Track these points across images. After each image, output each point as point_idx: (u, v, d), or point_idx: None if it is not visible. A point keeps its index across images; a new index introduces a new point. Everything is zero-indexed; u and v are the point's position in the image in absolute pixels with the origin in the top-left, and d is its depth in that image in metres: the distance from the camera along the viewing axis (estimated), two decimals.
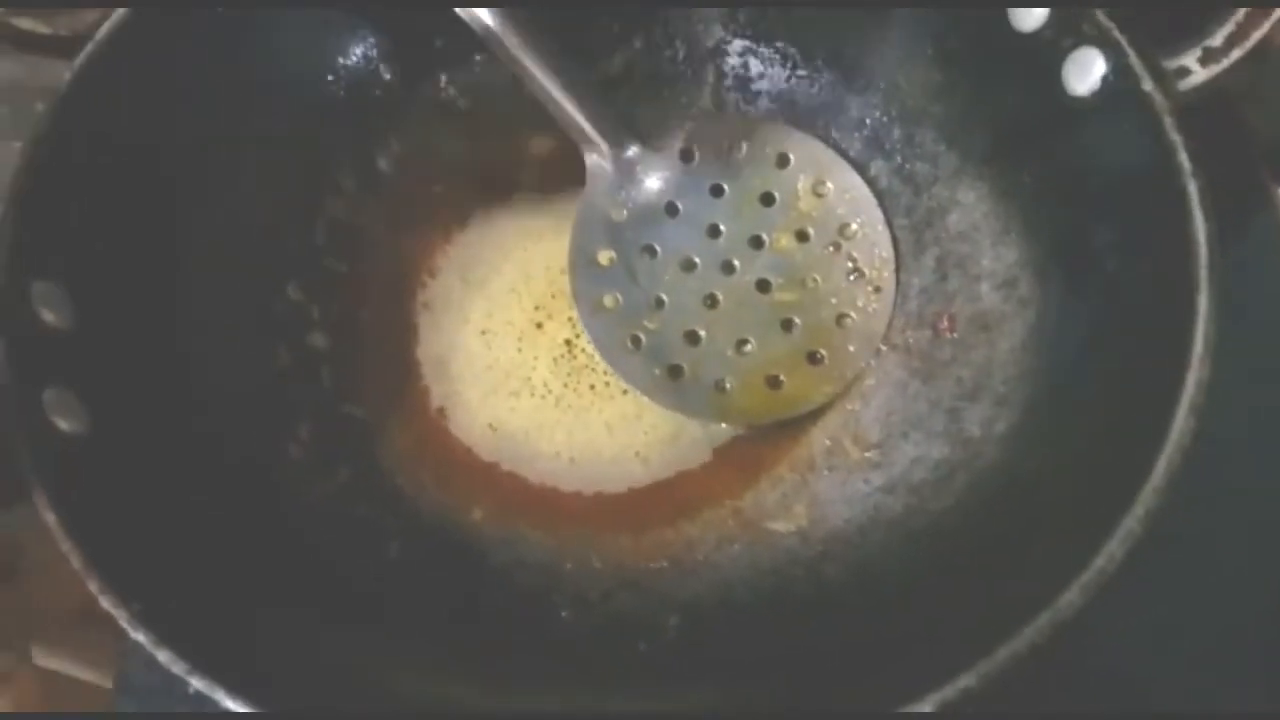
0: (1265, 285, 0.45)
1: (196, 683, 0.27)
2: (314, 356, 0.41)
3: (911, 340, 0.41)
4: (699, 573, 0.37)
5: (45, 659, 0.42)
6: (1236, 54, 0.34)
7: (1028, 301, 0.38)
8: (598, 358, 0.42)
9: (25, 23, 0.50)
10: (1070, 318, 0.36)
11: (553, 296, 0.44)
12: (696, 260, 0.43)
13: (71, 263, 0.34)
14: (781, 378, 0.41)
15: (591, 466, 0.41)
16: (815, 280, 0.42)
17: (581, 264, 0.43)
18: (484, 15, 0.39)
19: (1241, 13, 0.33)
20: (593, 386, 0.43)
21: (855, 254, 0.42)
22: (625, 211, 0.43)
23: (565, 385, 0.43)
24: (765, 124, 0.45)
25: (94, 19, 0.49)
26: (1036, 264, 0.38)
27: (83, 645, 0.43)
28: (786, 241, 0.43)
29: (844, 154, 0.44)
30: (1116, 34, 0.34)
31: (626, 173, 0.43)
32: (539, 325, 0.44)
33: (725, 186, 0.44)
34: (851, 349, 0.41)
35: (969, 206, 0.40)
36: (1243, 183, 0.47)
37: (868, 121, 0.43)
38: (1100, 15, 0.35)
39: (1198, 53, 0.35)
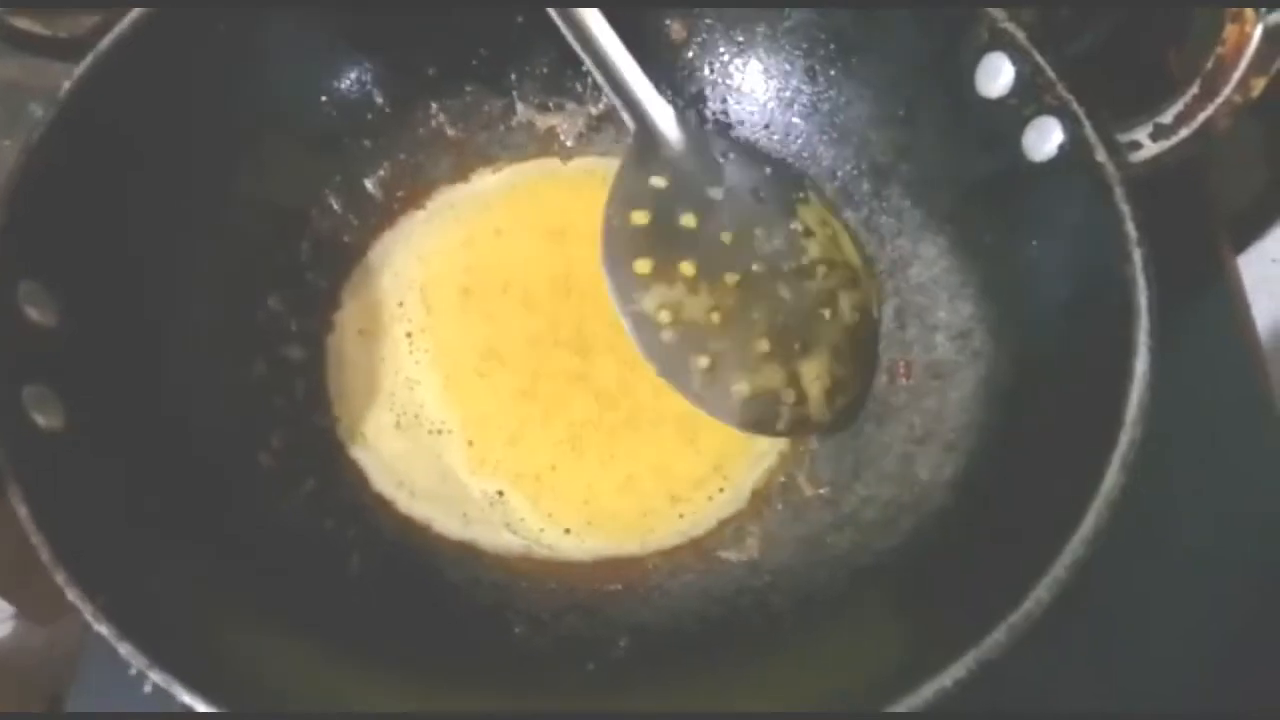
0: (1219, 347, 0.47)
1: (155, 677, 0.27)
2: (290, 368, 0.42)
3: None
4: (651, 598, 0.38)
5: None
6: (1184, 132, 0.36)
7: (980, 354, 0.39)
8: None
9: (23, 23, 0.50)
10: (1018, 372, 0.38)
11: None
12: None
13: (58, 264, 0.35)
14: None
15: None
16: (829, 313, 0.42)
17: (617, 224, 0.42)
18: None
19: (1190, 94, 0.35)
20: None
21: (855, 300, 0.43)
22: (667, 178, 0.43)
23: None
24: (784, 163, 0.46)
25: (92, 23, 0.50)
26: (990, 319, 0.40)
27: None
28: (810, 270, 0.43)
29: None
30: (1075, 105, 0.36)
31: (687, 139, 0.44)
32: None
33: (763, 194, 0.44)
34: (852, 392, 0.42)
35: (930, 260, 0.42)
36: (1201, 251, 0.49)
37: (839, 174, 0.45)
38: (1061, 87, 0.37)
39: (1149, 128, 0.36)
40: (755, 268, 0.42)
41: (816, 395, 0.41)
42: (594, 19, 0.43)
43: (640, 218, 0.42)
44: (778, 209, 0.44)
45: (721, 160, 0.44)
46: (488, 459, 0.42)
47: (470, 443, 0.42)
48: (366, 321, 0.44)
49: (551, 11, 0.42)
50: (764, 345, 0.41)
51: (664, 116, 0.44)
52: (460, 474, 0.41)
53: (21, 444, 0.31)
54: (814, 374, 0.41)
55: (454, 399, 0.43)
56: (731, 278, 0.42)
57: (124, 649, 0.28)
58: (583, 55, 0.43)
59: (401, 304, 0.45)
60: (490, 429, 0.42)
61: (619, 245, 0.41)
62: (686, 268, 0.42)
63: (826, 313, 0.42)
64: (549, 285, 0.45)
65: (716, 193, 0.44)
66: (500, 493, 0.41)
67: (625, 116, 0.44)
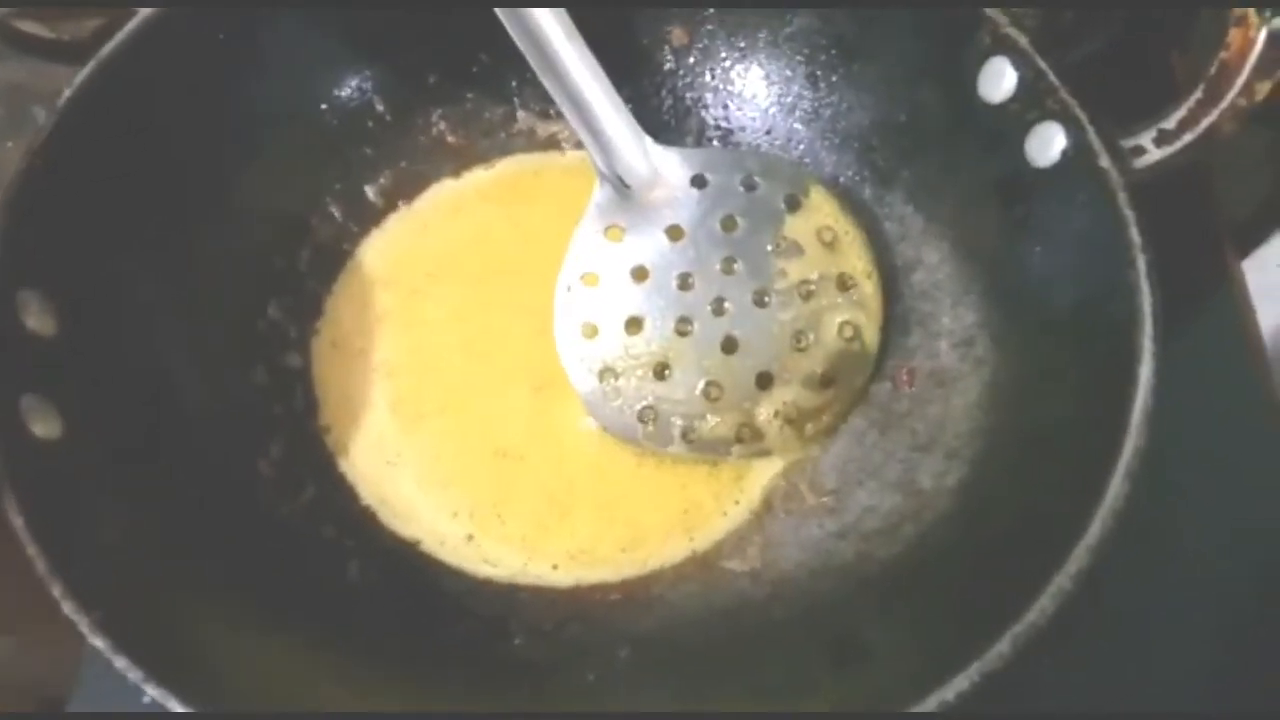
0: (1224, 353, 0.47)
1: (152, 692, 0.27)
2: (290, 376, 0.42)
3: (871, 391, 0.42)
4: (652, 608, 0.38)
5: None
6: (1188, 137, 0.36)
7: (983, 361, 0.39)
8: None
9: (27, 26, 0.50)
10: (1022, 379, 0.37)
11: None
12: (691, 289, 0.42)
13: (58, 272, 0.35)
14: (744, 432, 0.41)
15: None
16: (807, 340, 0.42)
17: (570, 280, 0.42)
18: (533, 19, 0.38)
19: (1193, 99, 0.35)
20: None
21: (848, 317, 0.42)
22: (624, 231, 0.43)
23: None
24: (783, 162, 0.45)
25: (95, 26, 0.51)
26: (993, 326, 0.39)
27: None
28: (786, 296, 0.42)
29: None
30: (1077, 110, 0.36)
31: (636, 190, 0.43)
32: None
33: (737, 220, 0.42)
34: (825, 419, 0.41)
35: (933, 266, 0.42)
36: (1206, 258, 0.49)
37: (841, 179, 0.45)
38: (1064, 92, 0.36)
39: (1153, 133, 0.36)
40: (715, 309, 0.42)
41: (774, 431, 0.41)
42: (553, 29, 0.38)
43: (592, 280, 0.42)
44: (758, 232, 0.42)
45: (696, 189, 0.43)
46: (443, 506, 0.40)
47: (419, 484, 0.41)
48: (337, 332, 0.44)
49: (500, 14, 0.38)
50: (713, 392, 0.41)
51: (630, 148, 0.42)
52: (424, 510, 0.40)
53: (18, 454, 0.31)
54: (771, 411, 0.41)
55: (402, 430, 0.42)
56: (685, 326, 0.42)
57: (120, 663, 0.27)
58: (542, 76, 0.40)
59: (364, 309, 0.44)
60: (438, 476, 0.41)
61: (571, 314, 0.42)
62: (639, 323, 0.42)
63: (804, 340, 0.41)
64: (505, 275, 0.44)
65: (683, 231, 0.42)
66: (470, 536, 0.40)
67: (587, 143, 0.41)
